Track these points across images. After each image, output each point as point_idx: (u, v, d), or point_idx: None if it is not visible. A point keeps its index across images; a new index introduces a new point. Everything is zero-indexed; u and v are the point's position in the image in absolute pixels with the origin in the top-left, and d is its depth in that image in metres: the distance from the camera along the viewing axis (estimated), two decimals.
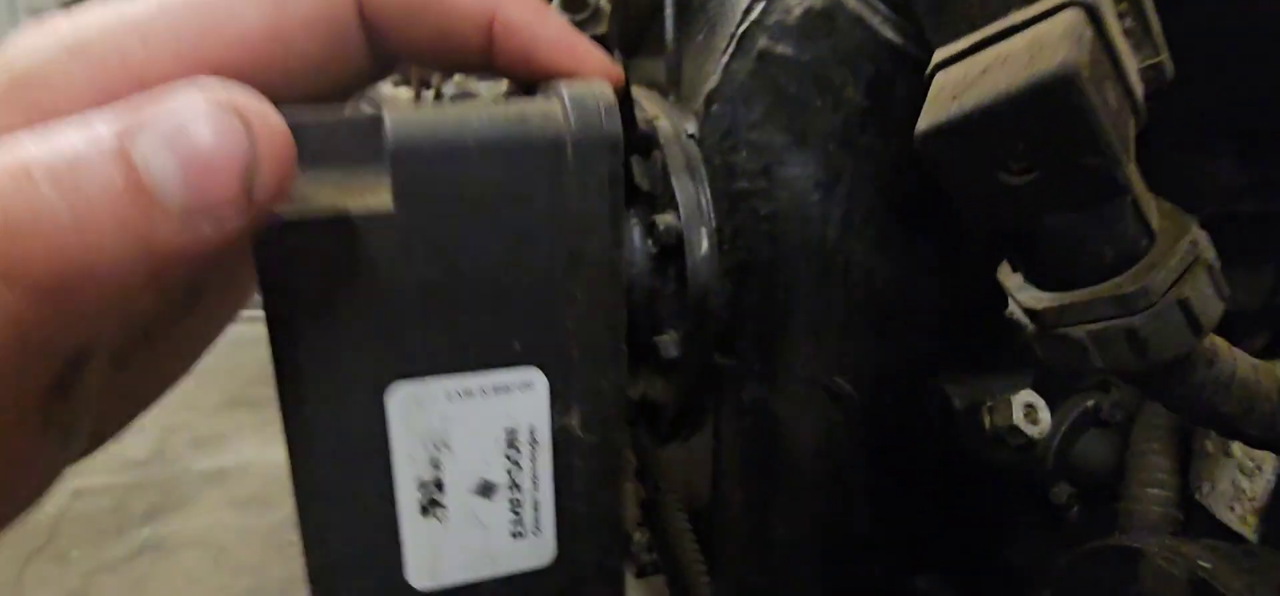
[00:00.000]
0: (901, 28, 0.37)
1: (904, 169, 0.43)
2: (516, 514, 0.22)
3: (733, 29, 0.45)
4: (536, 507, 0.22)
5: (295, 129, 0.16)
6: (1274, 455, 0.36)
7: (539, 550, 0.22)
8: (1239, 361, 0.24)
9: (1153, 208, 0.22)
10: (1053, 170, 0.20)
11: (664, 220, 0.48)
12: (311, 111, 0.19)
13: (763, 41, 0.43)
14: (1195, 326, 0.21)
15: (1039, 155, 0.20)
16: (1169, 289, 0.21)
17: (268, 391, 0.20)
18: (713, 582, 0.55)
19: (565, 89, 0.20)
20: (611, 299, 0.21)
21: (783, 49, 0.42)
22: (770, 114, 0.44)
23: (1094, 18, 0.20)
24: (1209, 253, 0.22)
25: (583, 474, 0.22)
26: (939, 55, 0.24)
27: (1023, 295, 0.24)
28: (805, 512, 0.48)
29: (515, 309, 0.20)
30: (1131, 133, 0.21)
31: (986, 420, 0.47)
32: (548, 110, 0.19)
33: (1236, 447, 0.38)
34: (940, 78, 0.23)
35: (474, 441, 0.21)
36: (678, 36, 0.52)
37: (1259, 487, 0.36)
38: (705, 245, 0.49)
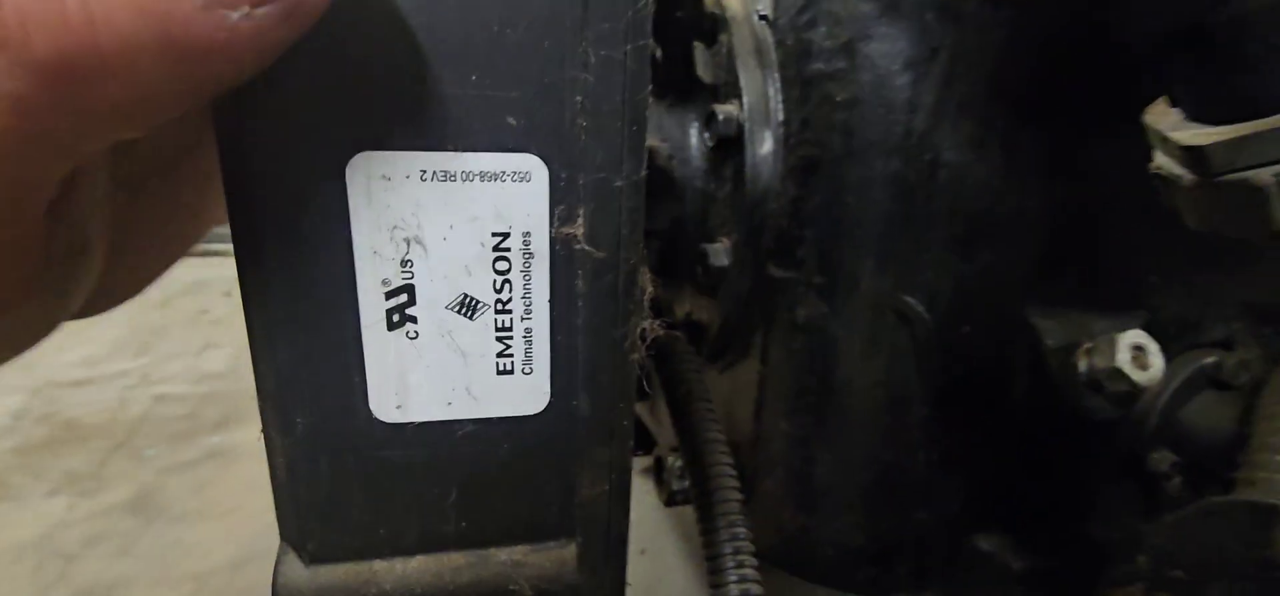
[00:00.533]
0: None
1: (1018, 47, 0.36)
2: (504, 343, 0.18)
3: None
4: (528, 338, 0.18)
5: None
6: None
7: (529, 394, 0.18)
8: None
9: None
10: None
11: (724, 110, 0.43)
12: None
13: None
14: None
15: None
16: None
17: None
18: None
19: None
20: (635, 65, 0.16)
21: None
22: None
23: None
24: None
25: (587, 299, 0.17)
26: None
27: (1182, 133, 0.18)
28: (857, 450, 0.43)
29: (511, 73, 0.16)
30: None
31: (1083, 362, 0.40)
32: None
33: None
34: None
35: (454, 242, 0.17)
36: None
37: None
38: (768, 141, 0.43)
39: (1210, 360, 0.44)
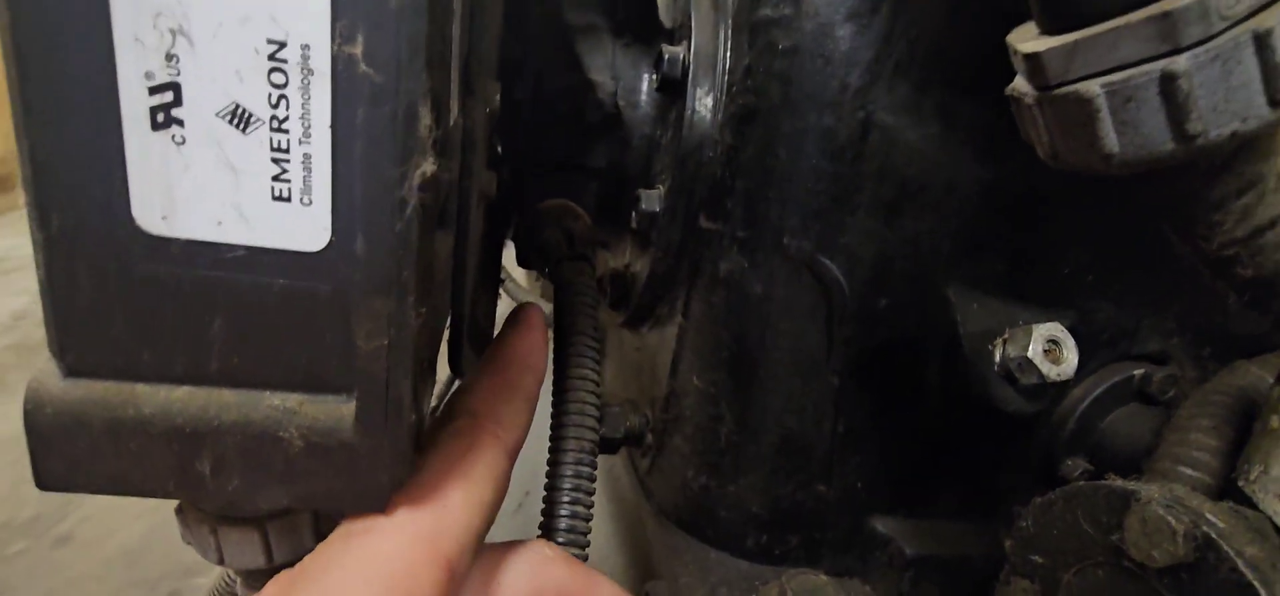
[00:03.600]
0: None
1: (963, 10, 0.34)
2: (280, 166, 0.17)
3: None
4: (308, 165, 0.17)
5: None
6: None
7: (308, 227, 0.17)
8: None
9: None
10: None
11: (671, 51, 0.42)
12: None
13: None
14: (1272, 87, 0.14)
15: None
16: (1245, 19, 0.13)
17: None
18: (651, 476, 0.50)
19: None
20: None
21: None
22: None
23: None
24: None
25: (365, 131, 0.17)
26: None
27: (1027, 43, 0.17)
28: (763, 414, 0.42)
29: None
30: None
31: (998, 350, 0.39)
32: None
33: None
34: None
35: (225, 42, 0.16)
36: None
37: None
38: (711, 86, 0.42)
39: (1139, 372, 0.43)
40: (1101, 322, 0.42)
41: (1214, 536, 0.21)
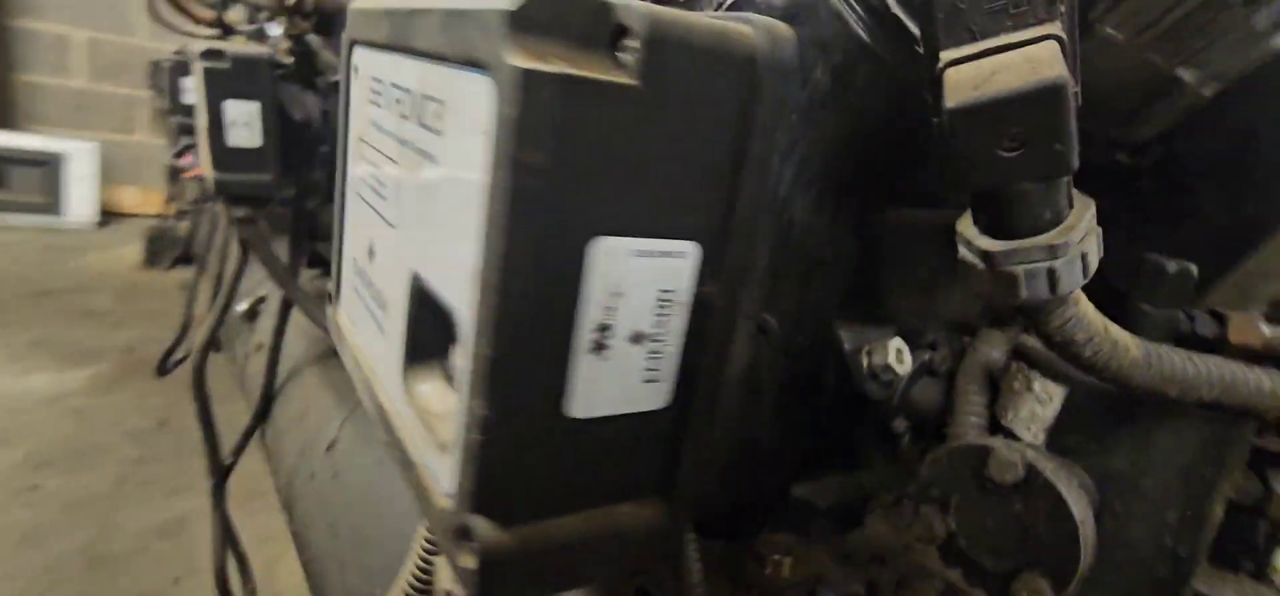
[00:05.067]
0: (870, 28, 0.46)
1: (847, 144, 0.52)
2: (653, 361, 0.26)
3: (721, 2, 0.51)
4: (666, 358, 0.26)
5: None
6: (1061, 389, 0.51)
7: (659, 394, 0.27)
8: (1091, 310, 0.36)
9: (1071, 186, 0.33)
10: (1034, 148, 0.30)
11: None
12: None
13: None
14: (1086, 272, 0.33)
15: (1029, 135, 0.29)
16: (1078, 242, 0.32)
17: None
18: None
19: (760, 19, 0.25)
20: (763, 195, 0.26)
21: None
22: None
23: (1064, 50, 0.30)
24: (1095, 226, 0.33)
25: (708, 334, 0.27)
26: (947, 55, 0.33)
27: (981, 241, 0.34)
28: (725, 429, 0.57)
29: (692, 189, 0.24)
30: None
31: (866, 360, 0.59)
32: (746, 32, 0.24)
33: (1034, 383, 0.53)
34: (953, 72, 0.32)
35: (639, 295, 0.25)
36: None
37: (1048, 413, 0.52)
38: None
39: (926, 356, 0.67)
40: (906, 329, 0.65)
41: (1033, 461, 0.42)
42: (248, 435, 1.25)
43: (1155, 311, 0.49)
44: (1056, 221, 0.33)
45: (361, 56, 0.38)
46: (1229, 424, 0.46)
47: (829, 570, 0.57)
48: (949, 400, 0.62)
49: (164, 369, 1.97)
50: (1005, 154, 0.30)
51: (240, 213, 1.09)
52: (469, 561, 0.25)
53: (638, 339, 0.25)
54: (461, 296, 0.25)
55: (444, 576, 0.31)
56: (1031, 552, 0.44)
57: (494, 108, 0.22)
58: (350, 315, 0.41)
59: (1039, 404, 0.53)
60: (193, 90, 1.70)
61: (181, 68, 2.41)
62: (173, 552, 1.60)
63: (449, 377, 0.31)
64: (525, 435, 0.24)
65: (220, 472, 1.22)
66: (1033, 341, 0.57)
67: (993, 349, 0.61)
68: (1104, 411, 0.49)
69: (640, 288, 0.25)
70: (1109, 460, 0.49)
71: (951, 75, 0.32)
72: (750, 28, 0.24)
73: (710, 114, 0.24)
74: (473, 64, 0.23)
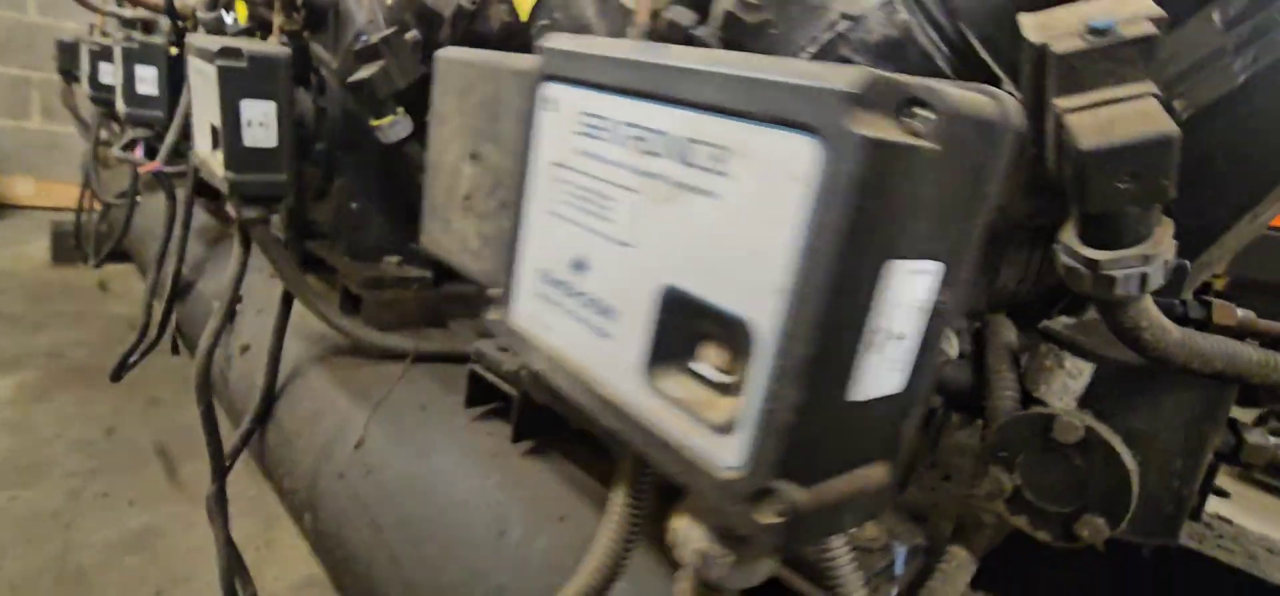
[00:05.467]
0: (956, 68, 0.54)
1: None
2: (902, 355, 0.33)
3: (816, 34, 0.58)
4: (909, 352, 0.33)
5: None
6: (1089, 365, 0.62)
7: (900, 380, 0.34)
8: (1150, 303, 0.47)
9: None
10: (1144, 181, 0.39)
11: None
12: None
13: (843, 51, 0.57)
14: (1165, 276, 0.42)
15: (1143, 172, 0.38)
16: (1162, 252, 0.42)
17: None
18: None
19: (995, 91, 0.32)
20: (984, 224, 0.33)
21: (860, 62, 0.56)
22: None
23: (1165, 105, 0.39)
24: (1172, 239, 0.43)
25: (933, 332, 0.34)
26: (1063, 103, 0.41)
27: (1084, 251, 0.43)
28: None
29: (948, 220, 0.31)
30: None
31: None
32: (1000, 103, 0.31)
33: (1065, 361, 0.64)
34: (1074, 119, 0.40)
35: (904, 304, 0.31)
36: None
37: (1079, 385, 0.63)
38: None
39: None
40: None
41: (1092, 424, 0.52)
42: (247, 437, 1.24)
43: (1159, 300, 0.60)
44: (1148, 235, 0.42)
45: (560, 92, 0.43)
46: (1219, 388, 0.58)
47: (899, 527, 0.66)
48: (978, 379, 0.73)
49: (119, 375, 1.86)
50: (1122, 185, 0.39)
51: (252, 213, 1.08)
52: (773, 517, 0.31)
53: (897, 338, 0.32)
54: (761, 308, 0.31)
55: (694, 537, 0.37)
56: (1089, 498, 0.54)
57: (822, 164, 0.28)
58: (538, 320, 0.46)
59: (1071, 378, 0.63)
60: (149, 80, 1.61)
61: (105, 52, 2.26)
62: (146, 564, 1.54)
63: (695, 374, 0.37)
64: (822, 415, 0.31)
65: (221, 476, 1.20)
66: (1058, 325, 0.68)
67: (1008, 332, 0.72)
68: (1125, 382, 0.60)
69: (906, 298, 0.32)
70: (1130, 421, 0.60)
71: (1073, 121, 0.40)
72: (991, 98, 0.32)
73: (970, 164, 0.31)
74: (789, 125, 0.30)
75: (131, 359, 1.78)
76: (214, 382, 1.55)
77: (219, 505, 1.18)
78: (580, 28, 0.80)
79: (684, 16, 0.54)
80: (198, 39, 1.07)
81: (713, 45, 0.54)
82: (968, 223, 0.32)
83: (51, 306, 2.81)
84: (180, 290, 1.84)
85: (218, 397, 1.60)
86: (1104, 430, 0.53)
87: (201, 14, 1.66)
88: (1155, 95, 0.39)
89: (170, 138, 1.65)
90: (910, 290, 0.32)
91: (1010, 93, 0.35)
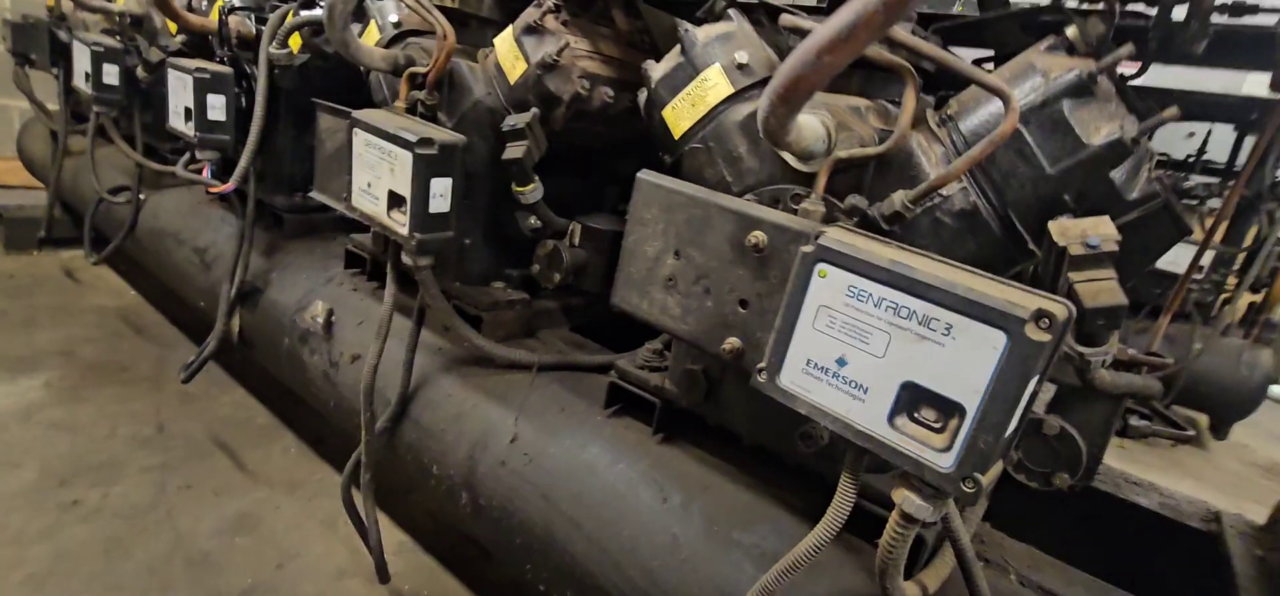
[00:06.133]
0: (1003, 235, 0.96)
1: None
2: (1020, 422, 0.74)
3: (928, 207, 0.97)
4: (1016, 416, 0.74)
5: None
6: (1052, 386, 1.08)
7: (1014, 428, 0.75)
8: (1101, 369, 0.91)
9: None
10: (1110, 323, 0.82)
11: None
12: None
13: (938, 216, 0.97)
14: (1110, 359, 0.86)
15: (1108, 319, 0.82)
16: (1113, 351, 0.86)
17: None
18: None
19: (1054, 304, 0.72)
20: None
21: (948, 223, 0.97)
22: None
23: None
24: None
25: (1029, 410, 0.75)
26: (1073, 276, 0.83)
27: (1079, 348, 0.86)
28: None
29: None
30: None
31: None
32: (1069, 310, 0.72)
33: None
34: (1081, 286, 0.82)
35: (1024, 397, 0.72)
36: None
37: (1048, 397, 1.09)
38: None
39: None
40: None
41: (1064, 424, 0.97)
42: (388, 433, 1.52)
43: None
44: (1105, 342, 0.86)
45: (830, 269, 0.81)
46: (1120, 398, 1.06)
47: None
48: None
49: (190, 377, 2.00)
50: (1100, 322, 0.83)
51: (425, 262, 1.36)
52: (969, 488, 0.71)
53: (1026, 417, 0.73)
54: (969, 397, 0.71)
55: (909, 502, 0.77)
56: (1059, 463, 0.99)
57: (1007, 347, 0.68)
58: (799, 385, 0.84)
59: (1044, 394, 1.09)
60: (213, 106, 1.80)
61: (112, 53, 2.32)
62: (258, 544, 1.75)
63: (918, 421, 0.76)
64: (1001, 446, 0.71)
65: (371, 469, 1.48)
66: None
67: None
68: (1074, 397, 1.06)
69: (1031, 402, 0.72)
70: (1072, 417, 1.06)
71: (1079, 288, 0.83)
72: (1066, 308, 0.72)
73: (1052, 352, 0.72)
74: (991, 324, 0.69)
75: (201, 361, 1.95)
76: (311, 384, 1.78)
77: (359, 485, 1.47)
78: (731, 159, 1.14)
79: (861, 201, 0.92)
80: (385, 121, 1.32)
81: (880, 224, 0.93)
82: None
83: (29, 300, 2.79)
84: (243, 296, 2.02)
85: (312, 399, 1.83)
86: (1070, 427, 0.98)
87: (272, 51, 1.83)
88: (1113, 277, 0.83)
89: (244, 162, 1.82)
90: (1031, 400, 0.73)
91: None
